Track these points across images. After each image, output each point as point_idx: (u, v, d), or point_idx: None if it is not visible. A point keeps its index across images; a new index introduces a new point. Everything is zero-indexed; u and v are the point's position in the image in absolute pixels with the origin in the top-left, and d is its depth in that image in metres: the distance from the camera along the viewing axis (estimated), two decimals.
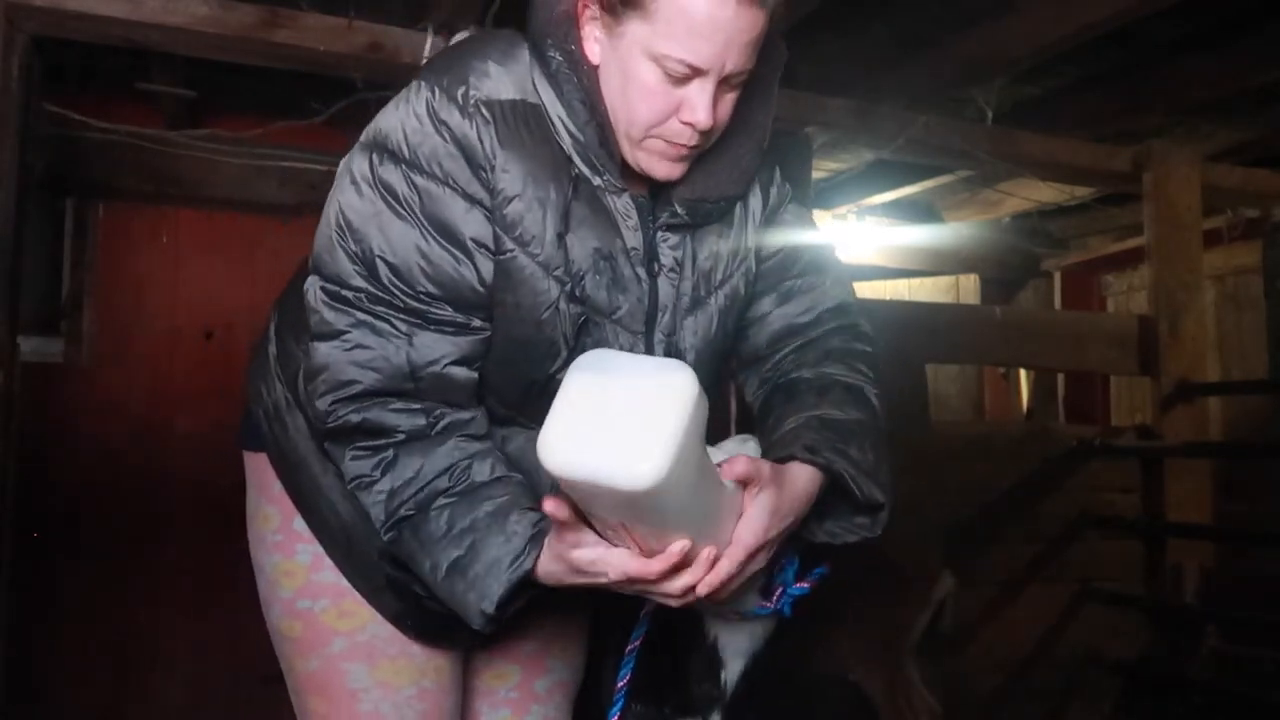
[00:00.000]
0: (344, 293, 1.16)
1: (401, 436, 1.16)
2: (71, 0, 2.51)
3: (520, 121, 1.16)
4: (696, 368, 1.24)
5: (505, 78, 1.17)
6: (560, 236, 1.18)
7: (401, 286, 1.15)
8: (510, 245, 1.17)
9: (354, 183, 1.18)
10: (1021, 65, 3.22)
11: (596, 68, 1.18)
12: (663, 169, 1.20)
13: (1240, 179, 4.16)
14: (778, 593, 1.20)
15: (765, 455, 1.22)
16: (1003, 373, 5.61)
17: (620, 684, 1.30)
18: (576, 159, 1.19)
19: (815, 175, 3.99)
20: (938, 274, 5.49)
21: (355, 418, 1.16)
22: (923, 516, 3.41)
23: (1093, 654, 3.77)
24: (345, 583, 1.35)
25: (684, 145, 1.17)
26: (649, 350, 1.27)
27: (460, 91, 1.15)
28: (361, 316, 1.15)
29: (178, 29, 2.62)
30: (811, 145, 3.49)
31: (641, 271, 1.25)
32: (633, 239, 1.23)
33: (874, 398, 1.30)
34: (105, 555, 3.75)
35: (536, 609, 1.44)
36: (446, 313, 1.16)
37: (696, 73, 1.12)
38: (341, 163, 1.22)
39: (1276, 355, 4.53)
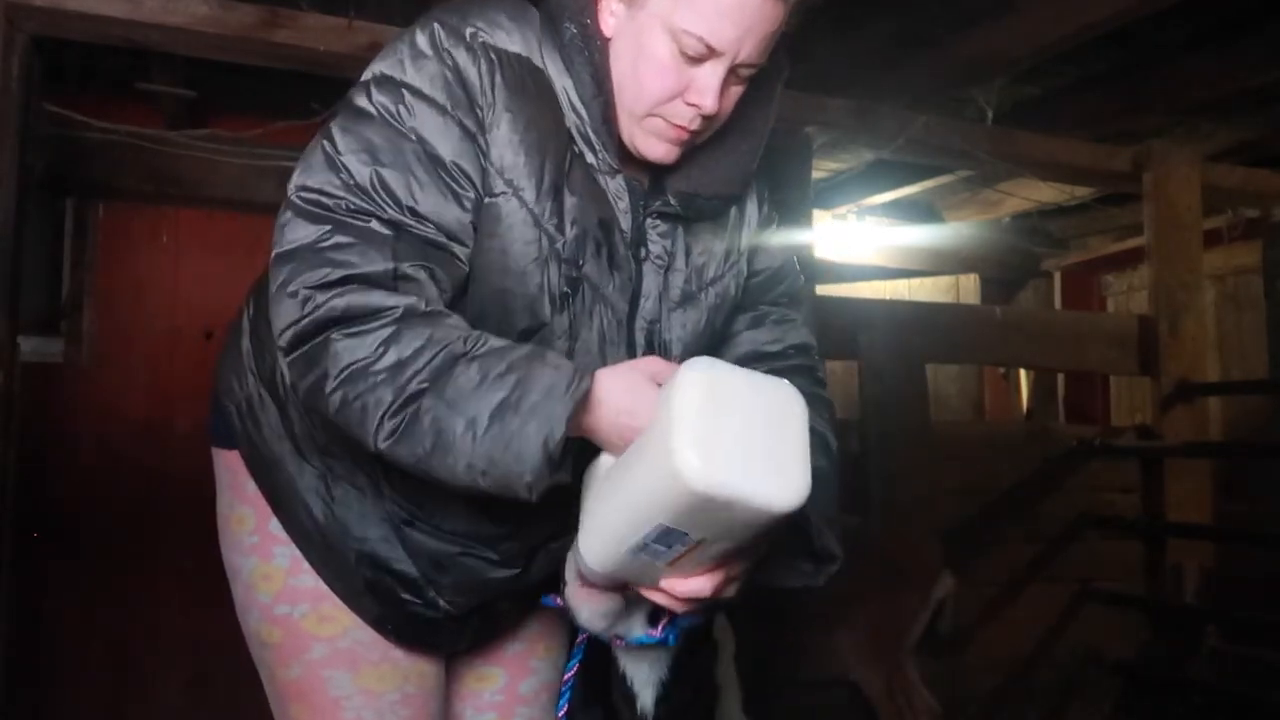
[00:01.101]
0: (323, 199, 1.09)
1: (399, 311, 1.04)
2: (71, 0, 2.51)
3: (525, 74, 1.16)
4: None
5: (515, 33, 1.17)
6: (556, 189, 1.16)
7: (386, 198, 1.09)
8: (502, 187, 1.14)
9: (349, 105, 1.15)
10: (1021, 65, 3.22)
11: (609, 41, 1.17)
12: (659, 150, 1.19)
13: (1240, 179, 4.16)
14: (663, 621, 1.16)
15: None
16: (1003, 373, 5.61)
17: (560, 714, 1.29)
18: (575, 134, 1.18)
19: (815, 175, 3.98)
20: (938, 274, 5.49)
21: (339, 301, 1.03)
22: (923, 516, 3.42)
23: (1093, 654, 3.77)
24: (324, 586, 1.31)
25: (684, 128, 1.16)
26: (630, 336, 1.24)
27: (469, 31, 1.14)
28: (341, 218, 1.08)
29: (178, 29, 2.62)
30: (811, 145, 3.49)
31: (628, 253, 1.23)
32: (624, 221, 1.22)
33: (834, 447, 1.30)
34: (105, 555, 3.75)
35: (518, 610, 1.43)
36: (430, 230, 1.10)
37: (712, 54, 1.11)
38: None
39: (1276, 355, 4.53)
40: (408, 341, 1.03)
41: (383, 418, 1.03)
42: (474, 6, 1.18)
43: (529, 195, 1.14)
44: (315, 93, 3.15)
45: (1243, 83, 3.39)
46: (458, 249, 1.13)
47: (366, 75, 1.17)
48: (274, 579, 1.33)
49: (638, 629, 1.17)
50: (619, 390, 1.06)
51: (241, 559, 1.36)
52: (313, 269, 1.05)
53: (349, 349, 1.03)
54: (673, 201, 1.25)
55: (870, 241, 5.22)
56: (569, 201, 1.17)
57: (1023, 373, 5.56)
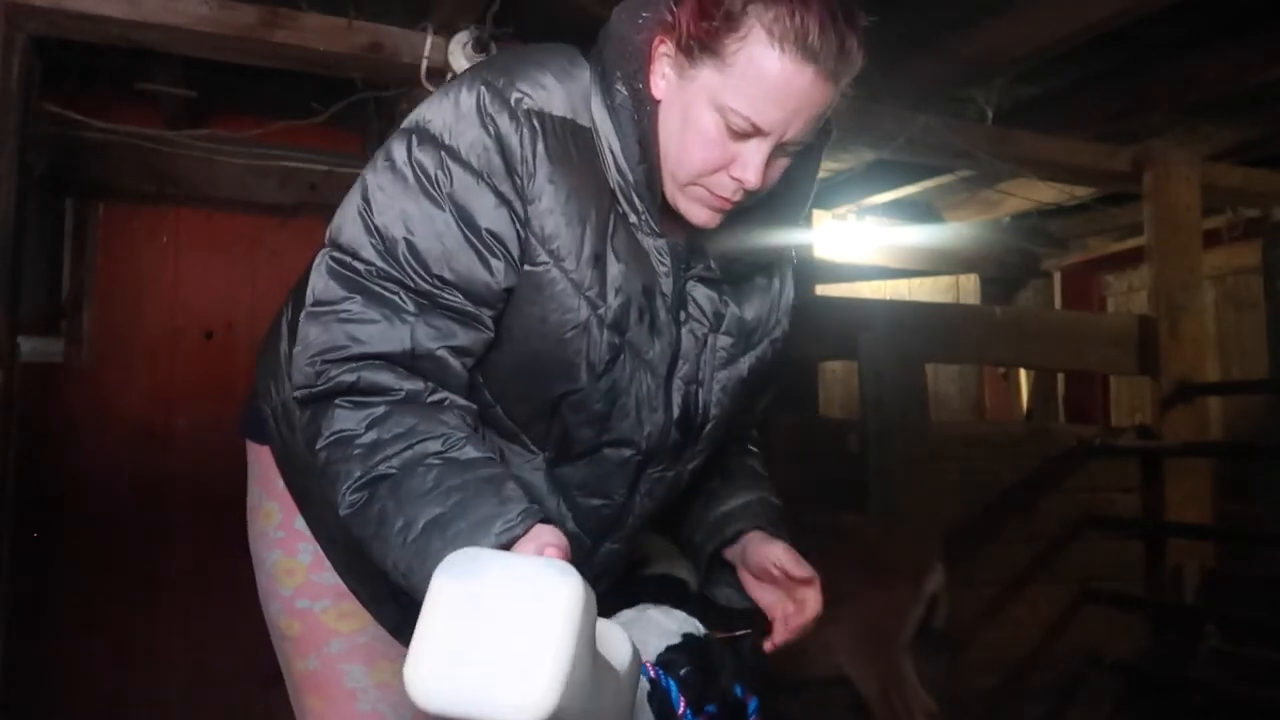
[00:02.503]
0: (354, 263, 1.12)
1: (400, 395, 1.09)
2: (71, 0, 2.51)
3: (569, 138, 1.16)
4: (718, 423, 1.30)
5: (559, 93, 1.17)
6: (598, 258, 1.17)
7: (417, 267, 1.11)
8: (544, 257, 1.15)
9: (388, 160, 1.16)
10: (1021, 65, 3.22)
11: (658, 103, 1.17)
12: (702, 216, 1.20)
13: (1240, 179, 4.16)
14: None
15: (711, 521, 1.39)
16: (1003, 373, 5.62)
17: None
18: (619, 194, 1.19)
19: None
20: (938, 274, 5.49)
21: (349, 377, 1.08)
22: (923, 516, 3.42)
23: (1093, 654, 3.77)
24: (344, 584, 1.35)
25: (726, 198, 1.17)
26: (667, 398, 1.25)
27: (513, 96, 1.14)
28: (368, 286, 1.11)
29: (178, 29, 2.62)
30: None
31: (669, 317, 1.24)
32: (665, 284, 1.23)
33: (764, 474, 1.47)
34: (105, 555, 3.75)
35: None
36: (457, 300, 1.13)
37: (757, 132, 1.12)
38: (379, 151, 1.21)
39: (1276, 355, 4.53)
40: (390, 426, 1.07)
41: (347, 490, 1.07)
42: (519, 66, 1.18)
43: (570, 264, 1.15)
44: (315, 93, 3.16)
45: (1243, 83, 3.39)
46: (485, 314, 1.15)
47: (409, 123, 1.18)
48: (296, 573, 1.36)
49: None
50: (530, 551, 1.03)
51: (267, 551, 1.39)
52: (333, 339, 1.10)
53: (343, 417, 1.08)
54: (713, 265, 1.26)
55: (870, 241, 5.22)
56: (613, 269, 1.18)
57: (1023, 373, 5.56)
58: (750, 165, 1.13)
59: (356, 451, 1.07)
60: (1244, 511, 4.00)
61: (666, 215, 1.22)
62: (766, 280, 1.35)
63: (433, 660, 0.86)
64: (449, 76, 2.81)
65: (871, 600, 2.91)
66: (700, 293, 1.27)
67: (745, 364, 1.32)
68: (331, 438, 1.08)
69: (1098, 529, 3.82)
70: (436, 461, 1.06)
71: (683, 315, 1.26)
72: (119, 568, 3.76)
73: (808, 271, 3.76)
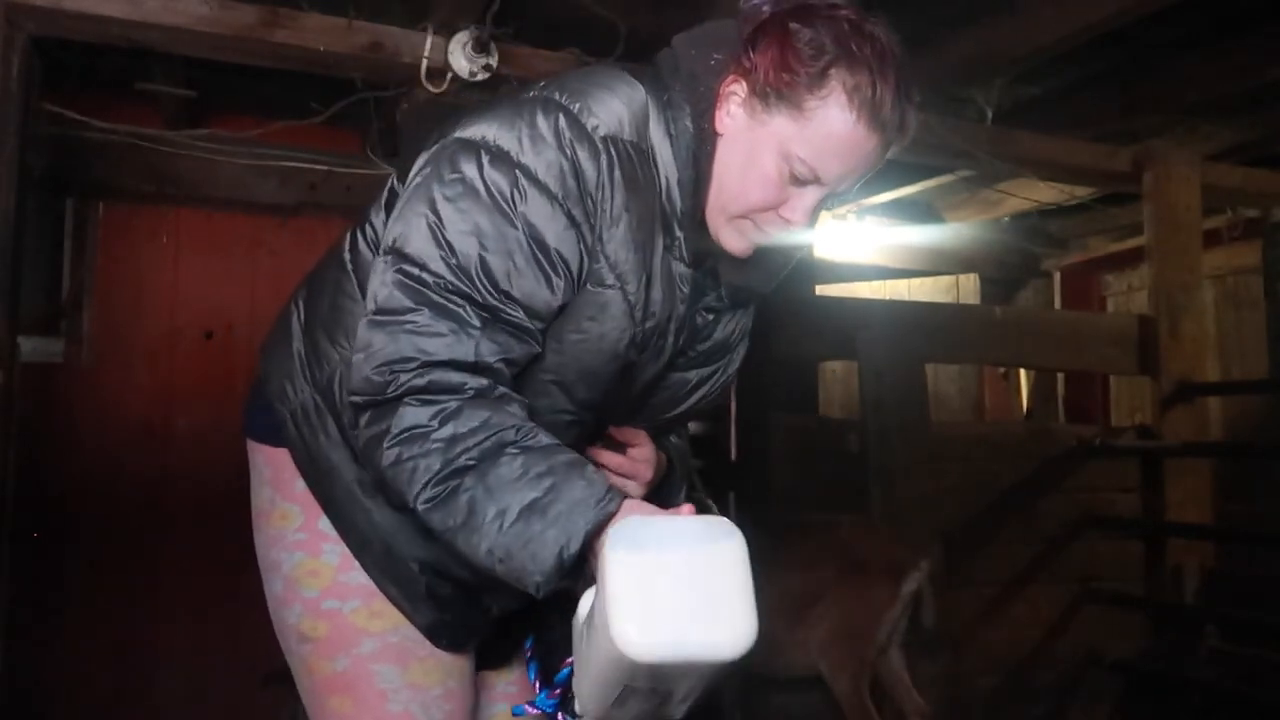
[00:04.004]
0: (423, 275, 1.14)
1: (470, 393, 1.12)
2: (71, 0, 2.51)
3: (636, 161, 1.21)
4: (684, 418, 1.44)
5: (625, 116, 1.21)
6: (650, 281, 1.23)
7: (486, 283, 1.14)
8: (612, 280, 1.20)
9: (456, 173, 1.17)
10: (1021, 65, 3.22)
11: (719, 136, 1.23)
12: (740, 246, 1.26)
13: (1240, 179, 4.16)
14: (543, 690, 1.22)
15: None
16: (1003, 373, 5.62)
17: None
18: (663, 220, 1.24)
19: None
20: (938, 274, 5.49)
21: (420, 380, 1.11)
22: (923, 516, 3.42)
23: (1093, 654, 3.77)
24: (374, 584, 1.34)
25: (768, 234, 1.25)
26: (645, 398, 1.35)
27: (590, 123, 1.18)
28: (435, 299, 1.13)
29: (178, 29, 2.63)
30: None
31: (674, 341, 1.31)
32: (680, 309, 1.29)
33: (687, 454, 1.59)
34: (105, 555, 3.75)
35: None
36: (518, 316, 1.16)
37: (816, 181, 1.19)
38: (427, 161, 1.21)
39: (1276, 355, 4.53)
40: (465, 420, 1.10)
41: (427, 483, 1.10)
42: (589, 89, 1.22)
43: (631, 287, 1.22)
44: (315, 93, 3.16)
45: (1242, 83, 3.39)
46: (538, 330, 1.19)
47: (474, 136, 1.19)
48: (322, 574, 1.34)
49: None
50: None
51: (284, 554, 1.37)
52: (401, 351, 1.12)
53: (413, 414, 1.11)
54: (723, 295, 1.35)
55: (870, 241, 5.23)
56: (655, 294, 1.24)
57: (1023, 373, 5.56)
58: (801, 209, 1.21)
59: (435, 446, 1.10)
60: (1244, 511, 4.00)
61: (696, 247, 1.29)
62: (742, 311, 1.43)
63: (638, 618, 0.95)
64: (449, 76, 2.81)
65: (847, 600, 2.91)
66: (702, 318, 1.35)
67: (694, 376, 1.40)
68: (404, 435, 1.11)
69: (1098, 529, 3.83)
70: (516, 450, 1.10)
71: (683, 339, 1.32)
72: (119, 567, 3.76)
73: (807, 271, 3.74)
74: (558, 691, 1.21)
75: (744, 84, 1.20)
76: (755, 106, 1.19)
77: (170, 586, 3.82)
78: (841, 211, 5.05)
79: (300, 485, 1.35)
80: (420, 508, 1.11)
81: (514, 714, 1.31)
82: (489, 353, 1.14)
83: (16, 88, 2.55)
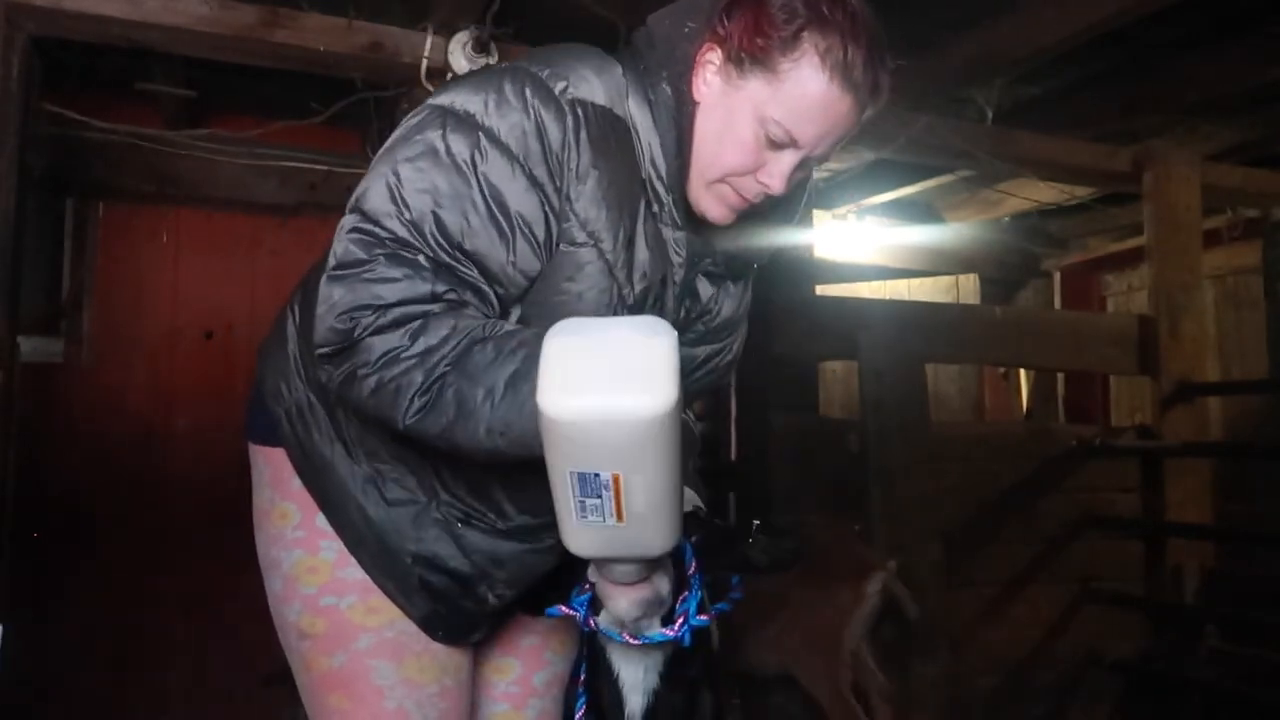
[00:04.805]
0: (377, 230, 1.15)
1: (435, 309, 1.14)
2: (71, 0, 2.51)
3: (608, 127, 1.22)
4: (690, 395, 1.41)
5: (598, 86, 1.23)
6: (630, 241, 1.24)
7: (441, 240, 1.15)
8: (584, 238, 1.21)
9: (419, 135, 1.19)
10: (1021, 65, 3.22)
11: (697, 104, 1.24)
12: (719, 212, 1.28)
13: (1240, 179, 4.16)
14: (679, 621, 1.20)
15: None
16: (1003, 373, 5.62)
17: (578, 717, 1.33)
18: (648, 186, 1.26)
19: (815, 175, 3.98)
20: (938, 274, 5.49)
21: (383, 320, 1.13)
22: (923, 516, 3.42)
23: (1093, 654, 3.77)
24: (370, 579, 1.35)
25: (747, 199, 1.26)
26: None
27: (560, 87, 1.20)
28: (392, 250, 1.14)
29: (178, 29, 2.63)
30: None
31: (675, 305, 1.33)
32: (677, 274, 1.32)
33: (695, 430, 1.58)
34: (105, 555, 3.75)
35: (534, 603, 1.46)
36: (472, 274, 1.17)
37: (792, 144, 1.22)
38: (400, 126, 1.23)
39: (1276, 355, 4.53)
40: (434, 331, 1.12)
41: (413, 396, 1.12)
42: (560, 58, 1.24)
43: (607, 245, 1.23)
44: (315, 93, 3.16)
45: (1242, 83, 3.39)
46: (494, 292, 1.20)
47: (443, 101, 1.21)
48: (320, 571, 1.36)
49: (655, 626, 1.21)
50: None
51: (283, 552, 1.38)
52: (359, 298, 1.13)
53: (383, 341, 1.12)
54: (719, 261, 1.36)
55: (870, 241, 5.22)
56: (640, 255, 1.26)
57: (1023, 373, 5.56)
58: (778, 173, 1.23)
59: (412, 362, 1.11)
60: (1244, 511, 4.00)
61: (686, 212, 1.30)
62: (742, 284, 1.46)
63: (560, 382, 0.98)
64: (449, 76, 2.81)
65: (813, 603, 2.90)
66: (703, 286, 1.38)
67: (702, 352, 1.44)
68: (380, 360, 1.12)
69: (1098, 529, 3.82)
70: (487, 340, 1.12)
71: (686, 304, 1.35)
72: (119, 567, 3.77)
73: (808, 271, 3.74)
74: (588, 587, 1.21)
75: (719, 51, 1.22)
76: (730, 73, 1.21)
77: (170, 586, 3.82)
78: (842, 211, 5.05)
79: (297, 483, 1.37)
80: (410, 422, 1.12)
81: (547, 613, 1.31)
82: (444, 288, 1.15)
83: (16, 88, 2.55)
